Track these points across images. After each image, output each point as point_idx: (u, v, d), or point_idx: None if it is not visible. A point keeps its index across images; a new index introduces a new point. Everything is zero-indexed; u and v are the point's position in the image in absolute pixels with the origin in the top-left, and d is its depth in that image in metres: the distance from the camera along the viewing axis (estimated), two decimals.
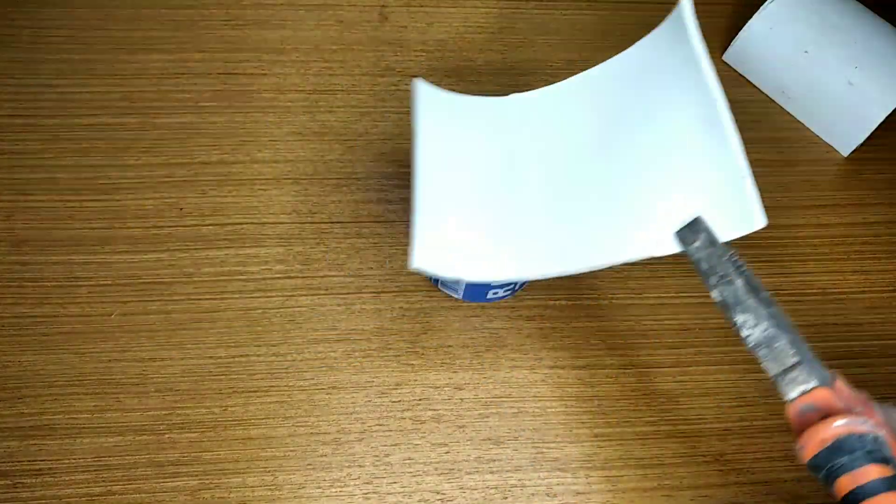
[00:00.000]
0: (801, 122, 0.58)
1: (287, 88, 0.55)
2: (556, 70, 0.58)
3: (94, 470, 0.42)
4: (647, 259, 0.37)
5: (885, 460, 0.29)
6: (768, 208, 0.54)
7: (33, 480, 0.42)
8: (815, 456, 0.30)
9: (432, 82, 0.56)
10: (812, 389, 0.32)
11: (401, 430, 0.45)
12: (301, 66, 0.56)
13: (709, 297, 0.50)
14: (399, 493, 0.43)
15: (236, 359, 0.46)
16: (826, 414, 0.30)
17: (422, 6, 0.60)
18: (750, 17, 0.57)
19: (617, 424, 0.46)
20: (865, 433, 0.30)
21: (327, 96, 0.55)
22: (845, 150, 0.57)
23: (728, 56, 0.60)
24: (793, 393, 0.32)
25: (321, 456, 0.44)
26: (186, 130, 0.53)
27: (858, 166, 0.57)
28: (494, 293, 0.47)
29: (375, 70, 0.57)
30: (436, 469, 0.44)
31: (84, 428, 0.43)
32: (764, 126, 0.58)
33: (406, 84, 0.56)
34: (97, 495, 0.42)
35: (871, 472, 0.29)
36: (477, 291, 0.47)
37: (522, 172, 0.42)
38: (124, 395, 0.44)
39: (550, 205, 0.41)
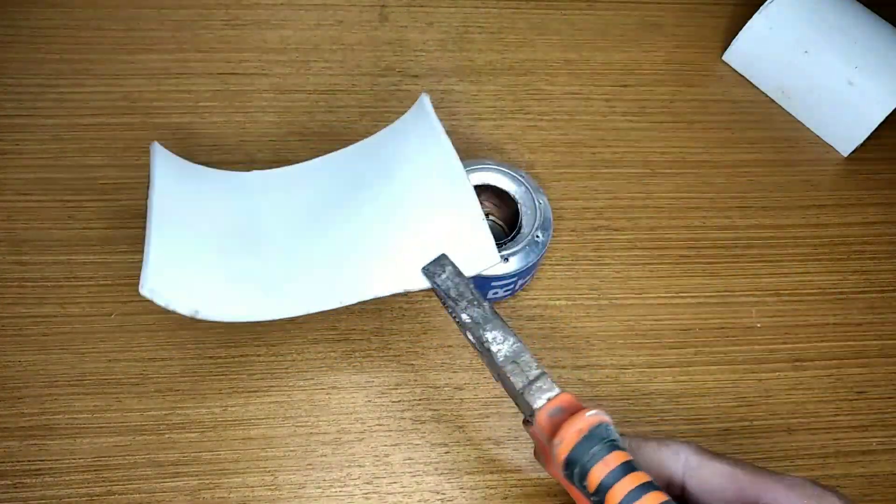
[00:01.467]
0: (801, 122, 0.58)
1: (287, 88, 0.55)
2: (556, 70, 0.58)
3: (94, 470, 0.42)
4: (420, 293, 0.41)
5: (621, 447, 0.32)
6: (768, 208, 0.54)
7: (33, 480, 0.42)
8: (574, 448, 0.31)
9: (432, 82, 0.57)
10: (558, 394, 0.34)
11: (401, 430, 0.45)
12: (301, 66, 0.56)
13: (709, 296, 0.50)
14: (399, 493, 0.43)
15: (236, 359, 0.46)
16: (572, 414, 0.33)
17: (422, 6, 0.60)
18: (750, 17, 0.57)
19: (617, 424, 0.46)
20: (609, 422, 0.32)
21: (327, 96, 0.55)
22: (845, 150, 0.57)
23: (728, 56, 0.60)
24: (541, 400, 0.34)
25: (321, 456, 0.44)
26: (186, 130, 0.53)
27: (858, 166, 0.57)
28: (494, 293, 0.47)
29: (375, 70, 0.57)
30: (436, 469, 0.44)
31: (84, 428, 0.43)
32: (764, 126, 0.58)
33: (406, 84, 0.56)
34: (97, 495, 0.42)
35: (617, 458, 0.31)
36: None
37: (264, 228, 0.43)
38: (124, 395, 0.44)
39: (294, 251, 0.42)
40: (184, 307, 0.38)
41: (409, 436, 0.45)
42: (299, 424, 0.44)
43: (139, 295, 0.39)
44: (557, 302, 0.49)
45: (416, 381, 0.46)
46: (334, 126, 0.54)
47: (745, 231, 0.53)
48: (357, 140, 0.46)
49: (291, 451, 0.44)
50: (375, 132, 0.46)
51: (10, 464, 0.42)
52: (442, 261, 0.39)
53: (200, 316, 0.38)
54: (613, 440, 0.32)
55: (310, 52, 0.57)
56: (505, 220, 0.50)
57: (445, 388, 0.46)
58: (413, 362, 0.47)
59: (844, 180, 0.56)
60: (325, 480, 0.43)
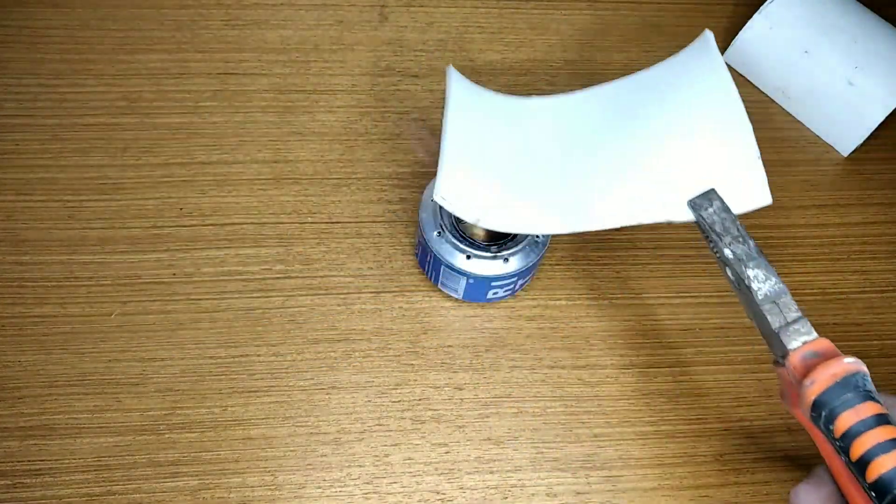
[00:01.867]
0: (801, 122, 0.58)
1: (287, 88, 0.55)
2: (556, 70, 0.58)
3: (94, 470, 0.42)
4: (661, 224, 0.41)
5: (876, 399, 0.32)
6: (768, 208, 0.54)
7: (33, 480, 0.42)
8: (825, 392, 0.31)
9: (432, 82, 0.57)
10: (816, 339, 0.34)
11: (401, 430, 0.45)
12: (301, 66, 0.56)
13: (709, 296, 0.50)
14: (399, 493, 0.43)
15: (236, 359, 0.46)
16: (828, 359, 0.33)
17: (422, 6, 0.60)
18: (750, 17, 0.57)
19: (617, 424, 0.46)
20: (866, 373, 0.32)
21: (327, 96, 0.55)
22: (845, 150, 0.57)
23: (728, 56, 0.60)
24: (796, 342, 0.34)
25: (321, 456, 0.44)
26: (186, 130, 0.53)
27: (858, 166, 0.57)
28: (494, 293, 0.47)
29: (375, 70, 0.57)
30: (436, 469, 0.44)
31: (84, 428, 0.43)
32: (764, 126, 0.58)
33: (406, 84, 0.56)
34: (97, 495, 0.42)
35: (870, 409, 0.31)
36: (477, 291, 0.47)
37: (543, 151, 0.45)
38: (124, 395, 0.44)
39: (569, 172, 0.44)
40: (470, 214, 0.42)
41: (409, 436, 0.45)
42: (299, 424, 0.44)
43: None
44: (557, 302, 0.49)
45: (416, 381, 0.46)
46: (334, 126, 0.54)
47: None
48: None
49: (291, 451, 0.44)
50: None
51: (10, 464, 0.42)
52: (710, 195, 0.39)
53: (482, 224, 0.42)
54: (869, 391, 0.32)
55: (310, 52, 0.57)
56: None
57: (445, 388, 0.46)
58: (413, 362, 0.47)
59: (844, 180, 0.56)
60: (325, 480, 0.43)
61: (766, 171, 0.55)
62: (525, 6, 0.61)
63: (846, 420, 0.31)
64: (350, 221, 0.51)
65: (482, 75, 0.57)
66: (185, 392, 0.45)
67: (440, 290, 0.49)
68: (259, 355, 0.46)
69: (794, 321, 0.35)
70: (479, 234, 0.45)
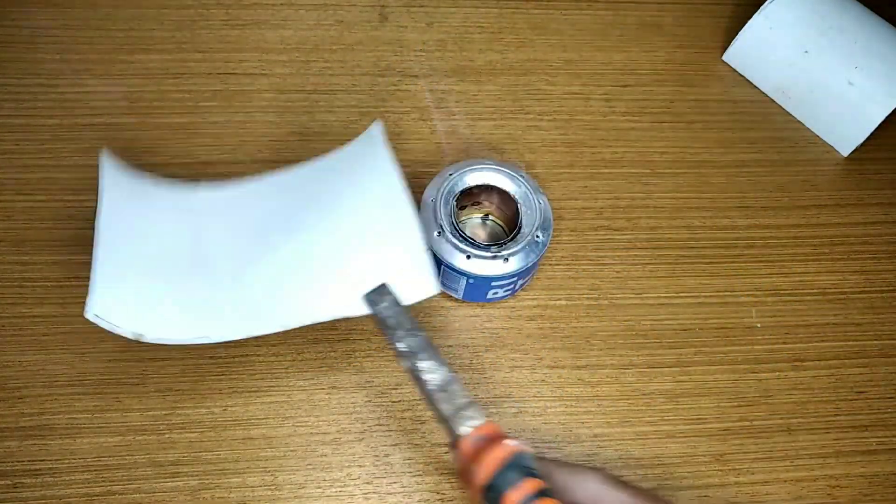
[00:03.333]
0: (801, 122, 0.58)
1: (287, 88, 0.55)
2: (556, 70, 0.58)
3: (94, 470, 0.42)
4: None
5: (536, 475, 0.34)
6: (768, 208, 0.54)
7: (33, 480, 0.42)
8: (495, 475, 0.33)
9: (432, 82, 0.57)
10: (483, 423, 0.36)
11: (401, 430, 0.45)
12: (301, 66, 0.56)
13: (709, 296, 0.50)
14: (399, 493, 0.43)
15: (236, 359, 0.46)
16: (494, 442, 0.35)
17: (422, 6, 0.60)
18: (750, 17, 0.57)
19: (617, 424, 0.46)
20: (529, 452, 0.34)
21: (327, 96, 0.55)
22: (845, 150, 0.57)
23: (728, 56, 0.60)
24: (466, 428, 0.36)
25: (321, 456, 0.44)
26: (186, 130, 0.53)
27: (858, 166, 0.57)
28: (494, 293, 0.47)
29: (375, 70, 0.57)
30: (436, 469, 0.44)
31: (84, 428, 0.43)
32: (764, 126, 0.58)
33: (406, 84, 0.56)
34: (97, 495, 0.42)
35: (532, 485, 0.33)
36: (477, 291, 0.47)
37: (210, 248, 0.43)
38: (124, 395, 0.44)
39: (239, 273, 0.42)
40: (128, 331, 0.38)
41: (409, 436, 0.45)
42: (299, 424, 0.44)
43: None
44: (557, 302, 0.49)
45: None
46: (334, 126, 0.54)
47: (745, 231, 0.53)
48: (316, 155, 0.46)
49: (291, 451, 0.44)
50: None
51: (10, 464, 0.42)
52: (382, 290, 0.40)
53: (144, 339, 0.39)
54: (530, 468, 0.34)
55: (310, 52, 0.57)
56: (505, 220, 0.50)
57: None
58: None
59: (844, 180, 0.56)
60: (325, 480, 0.43)
61: (766, 171, 0.56)
62: (525, 6, 0.61)
63: (512, 498, 0.33)
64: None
65: (482, 75, 0.57)
66: (185, 392, 0.45)
67: (440, 290, 0.49)
68: (259, 355, 0.46)
69: (464, 407, 0.36)
70: (480, 234, 0.45)
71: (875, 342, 0.50)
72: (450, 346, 0.47)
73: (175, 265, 0.42)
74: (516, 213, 0.47)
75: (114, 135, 0.52)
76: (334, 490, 0.43)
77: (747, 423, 0.47)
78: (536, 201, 0.47)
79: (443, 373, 0.37)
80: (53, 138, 0.52)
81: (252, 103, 0.55)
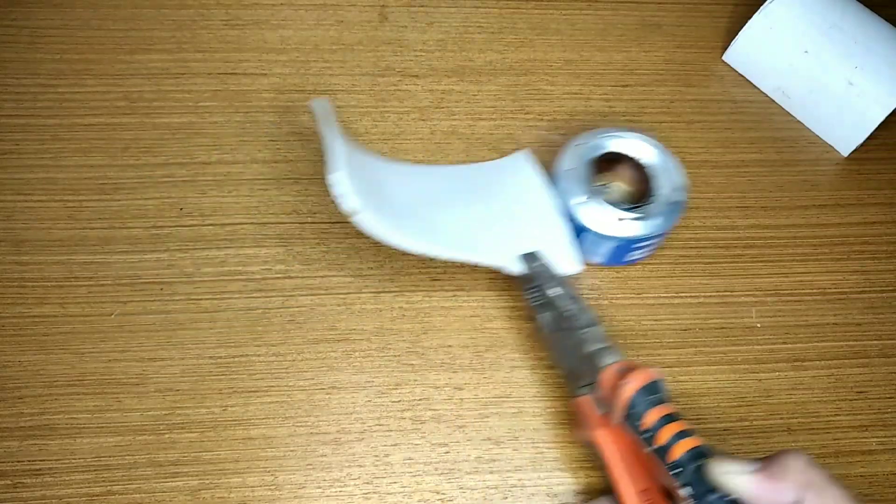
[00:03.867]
0: (801, 122, 0.58)
1: (287, 88, 0.55)
2: (556, 70, 0.58)
3: (94, 470, 0.42)
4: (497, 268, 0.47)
5: (669, 400, 0.39)
6: (768, 208, 0.54)
7: (33, 480, 0.42)
8: (638, 391, 0.38)
9: (432, 82, 0.57)
10: (625, 360, 0.41)
11: (401, 430, 0.45)
12: (301, 66, 0.56)
13: (709, 296, 0.50)
14: (399, 493, 0.43)
15: (236, 359, 0.46)
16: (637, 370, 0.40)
17: (422, 6, 0.60)
18: (750, 17, 0.57)
19: None
20: (663, 379, 0.39)
21: (327, 96, 0.55)
22: (845, 150, 0.57)
23: (728, 56, 0.60)
24: (611, 360, 0.41)
25: (321, 456, 0.44)
26: (186, 130, 0.53)
27: (858, 166, 0.57)
28: (632, 255, 0.49)
29: (375, 70, 0.57)
30: (436, 469, 0.44)
31: (84, 428, 0.43)
32: (764, 126, 0.58)
33: (406, 84, 0.56)
34: (97, 495, 0.42)
35: (668, 408, 0.38)
36: (619, 254, 0.49)
37: (408, 192, 0.49)
38: (124, 395, 0.44)
39: (431, 215, 0.48)
40: (352, 201, 0.42)
41: (409, 436, 0.45)
42: (299, 424, 0.44)
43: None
44: None
45: (416, 381, 0.46)
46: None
47: (745, 231, 0.53)
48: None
49: (291, 451, 0.44)
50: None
51: (10, 464, 0.42)
52: (535, 254, 0.47)
53: (359, 218, 0.42)
54: (667, 394, 0.39)
55: (310, 52, 0.57)
56: (636, 183, 0.51)
57: (445, 388, 0.46)
58: (413, 362, 0.47)
59: (844, 180, 0.56)
60: (325, 480, 0.43)
61: (766, 171, 0.56)
62: (525, 6, 0.61)
63: (651, 416, 0.38)
64: (350, 221, 0.51)
65: (482, 75, 0.57)
66: (185, 392, 0.45)
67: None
68: (259, 355, 0.46)
69: (606, 346, 0.42)
70: (623, 198, 0.50)
71: (875, 342, 0.50)
72: (450, 346, 0.47)
73: (385, 189, 0.47)
74: (647, 176, 0.49)
75: (114, 135, 0.52)
76: (334, 490, 0.43)
77: (747, 423, 0.47)
78: (669, 165, 0.49)
79: (588, 317, 0.43)
80: (53, 138, 0.52)
81: (252, 103, 0.55)
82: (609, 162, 0.50)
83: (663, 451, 0.37)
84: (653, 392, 0.38)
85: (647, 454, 0.38)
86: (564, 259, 0.47)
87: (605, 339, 0.42)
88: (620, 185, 0.51)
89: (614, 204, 0.47)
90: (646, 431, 0.38)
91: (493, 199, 0.50)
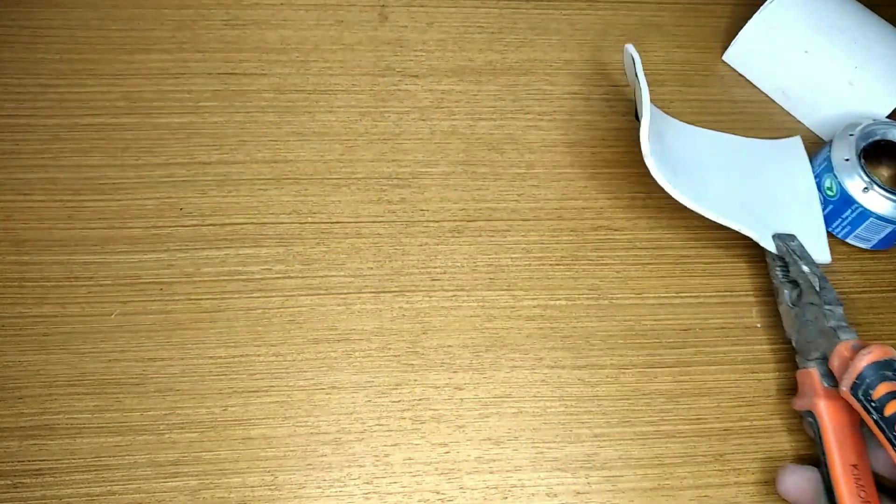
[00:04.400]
0: (801, 122, 0.58)
1: (287, 88, 0.55)
2: (556, 70, 0.58)
3: (94, 470, 0.42)
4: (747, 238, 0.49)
5: None
6: None
7: (33, 480, 0.42)
8: (876, 362, 0.40)
9: (432, 82, 0.57)
10: (859, 340, 0.43)
11: (401, 430, 0.45)
12: (301, 66, 0.56)
13: (709, 296, 0.50)
14: (399, 493, 0.43)
15: (236, 359, 0.46)
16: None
17: (422, 6, 0.60)
18: (750, 17, 0.57)
19: (617, 424, 0.46)
20: None
21: (327, 96, 0.55)
22: None
23: (728, 56, 0.60)
24: (849, 336, 0.43)
25: (321, 456, 0.44)
26: (186, 130, 0.53)
27: None
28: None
29: (375, 70, 0.57)
30: (436, 469, 0.44)
31: (84, 428, 0.43)
32: (764, 126, 0.58)
33: (406, 84, 0.56)
34: (97, 495, 0.42)
35: None
36: (892, 238, 0.51)
37: (687, 154, 0.53)
38: (124, 395, 0.44)
39: (705, 174, 0.52)
40: (666, 181, 0.47)
41: (409, 436, 0.45)
42: (299, 424, 0.44)
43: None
44: (557, 302, 0.49)
45: (416, 381, 0.46)
46: (334, 126, 0.54)
47: None
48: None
49: (291, 451, 0.44)
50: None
51: (10, 464, 0.42)
52: (791, 237, 0.49)
53: (672, 190, 0.47)
54: None
55: (310, 52, 0.57)
56: None
57: (445, 388, 0.46)
58: (413, 362, 0.47)
59: None
60: (325, 480, 0.43)
61: None
62: (525, 6, 0.61)
63: (885, 388, 0.39)
64: (350, 221, 0.51)
65: (482, 75, 0.57)
66: (185, 392, 0.45)
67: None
68: (259, 355, 0.46)
69: (847, 326, 0.44)
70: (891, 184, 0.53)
71: (875, 342, 0.50)
72: (450, 346, 0.47)
73: (666, 141, 0.52)
74: None
75: (114, 135, 0.52)
76: (334, 490, 0.43)
77: (747, 423, 0.47)
78: None
79: (832, 296, 0.46)
80: (53, 138, 0.52)
81: (252, 103, 0.55)
82: (877, 151, 0.52)
83: (890, 422, 0.39)
84: (887, 368, 0.40)
85: (868, 427, 0.40)
86: (816, 247, 0.50)
87: (842, 321, 0.44)
88: (886, 172, 0.54)
89: (890, 191, 0.50)
90: (874, 402, 0.40)
91: (761, 176, 0.53)
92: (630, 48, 0.51)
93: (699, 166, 0.53)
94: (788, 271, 0.48)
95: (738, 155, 0.55)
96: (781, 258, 0.49)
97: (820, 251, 0.50)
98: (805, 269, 0.47)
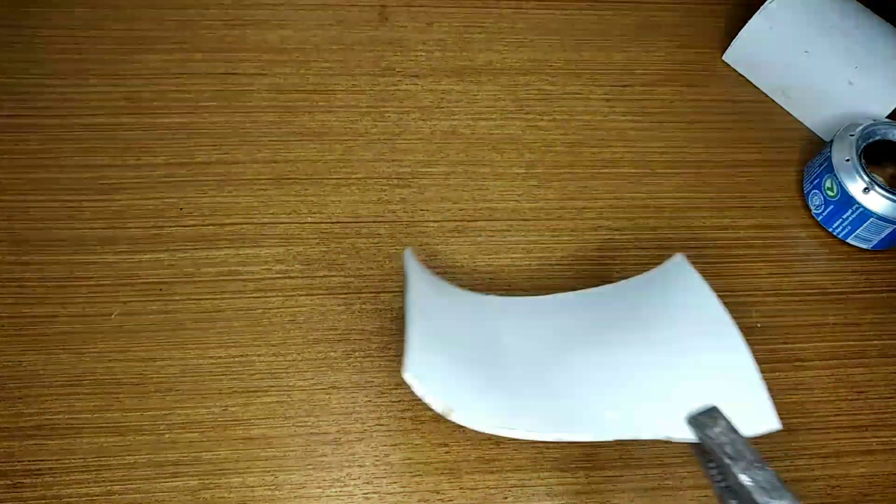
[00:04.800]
0: (801, 122, 0.58)
1: (287, 88, 0.55)
2: (556, 70, 0.58)
3: (94, 470, 0.42)
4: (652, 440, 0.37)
5: None
6: (767, 208, 0.54)
7: (33, 480, 0.42)
8: None
9: (432, 82, 0.57)
10: None
11: (401, 430, 0.45)
12: (301, 66, 0.56)
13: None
14: (399, 493, 0.43)
15: (236, 359, 0.46)
16: None
17: (422, 6, 0.60)
18: (750, 17, 0.57)
19: None
20: None
21: (327, 96, 0.55)
22: None
23: (728, 56, 0.60)
24: None
25: (321, 456, 0.44)
26: (186, 130, 0.53)
27: None
28: None
29: (375, 70, 0.57)
30: (436, 469, 0.44)
31: (84, 428, 0.43)
32: (764, 126, 0.58)
33: (406, 84, 0.56)
34: (97, 495, 0.42)
35: None
36: (892, 238, 0.51)
37: (508, 349, 0.41)
38: (124, 395, 0.44)
39: (548, 376, 0.40)
40: (439, 404, 0.36)
41: (409, 436, 0.45)
42: (299, 424, 0.44)
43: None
44: None
45: None
46: (334, 126, 0.54)
47: (745, 231, 0.53)
48: None
49: (291, 451, 0.44)
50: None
51: (10, 464, 0.42)
52: (713, 413, 0.35)
53: (453, 417, 0.36)
54: None
55: (310, 52, 0.57)
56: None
57: None
58: None
59: None
60: (325, 480, 0.43)
61: (766, 171, 0.56)
62: (525, 6, 0.61)
63: None
64: (350, 221, 0.51)
65: (482, 75, 0.57)
66: (185, 392, 0.45)
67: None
68: (259, 355, 0.46)
69: None
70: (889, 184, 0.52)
71: (875, 342, 0.50)
72: None
73: (477, 355, 0.40)
74: None
75: (114, 135, 0.52)
76: (334, 490, 0.43)
77: None
78: None
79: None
80: (53, 138, 0.52)
81: (252, 103, 0.55)
82: (877, 151, 0.53)
83: None
84: None
85: None
86: (755, 412, 0.36)
87: None
88: (886, 172, 0.54)
89: (891, 191, 0.50)
90: None
91: (647, 332, 0.40)
92: (407, 253, 0.42)
93: (555, 351, 0.41)
94: (725, 475, 0.35)
95: (610, 311, 0.43)
96: (709, 453, 0.35)
97: (761, 417, 0.36)
98: (743, 478, 0.33)
